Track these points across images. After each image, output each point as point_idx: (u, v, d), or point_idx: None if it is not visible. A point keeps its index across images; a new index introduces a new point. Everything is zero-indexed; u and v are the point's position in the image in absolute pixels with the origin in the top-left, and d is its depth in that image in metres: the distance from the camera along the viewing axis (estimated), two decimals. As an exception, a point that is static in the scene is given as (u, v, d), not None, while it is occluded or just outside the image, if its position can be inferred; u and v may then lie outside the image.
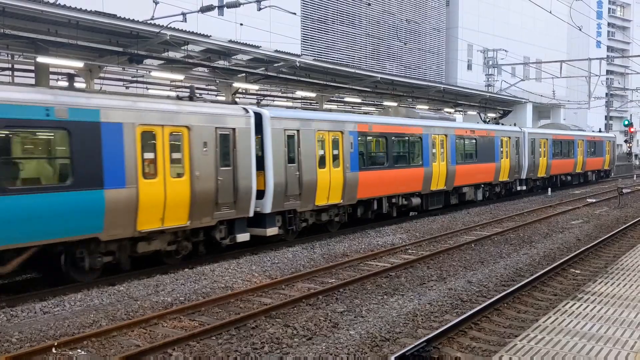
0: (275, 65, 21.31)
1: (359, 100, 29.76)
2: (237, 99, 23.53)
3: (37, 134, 10.96)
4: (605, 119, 72.83)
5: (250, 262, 13.85)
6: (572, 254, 14.09)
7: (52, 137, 11.05)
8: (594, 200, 27.70)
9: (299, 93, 25.93)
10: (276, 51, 20.71)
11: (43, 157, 11.22)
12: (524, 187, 29.97)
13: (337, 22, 43.01)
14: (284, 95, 27.82)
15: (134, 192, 11.81)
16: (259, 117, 14.99)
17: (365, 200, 18.48)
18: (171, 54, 18.76)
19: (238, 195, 14.08)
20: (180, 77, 19.86)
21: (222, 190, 13.65)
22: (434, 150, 21.69)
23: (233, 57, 20.47)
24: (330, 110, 32.61)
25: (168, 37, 16.98)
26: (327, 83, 24.10)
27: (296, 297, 10.58)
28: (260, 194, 14.89)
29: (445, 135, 22.44)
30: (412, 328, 9.05)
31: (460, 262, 13.90)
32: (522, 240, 17.03)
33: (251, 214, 14.56)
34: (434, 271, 12.99)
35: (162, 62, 19.20)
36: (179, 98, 14.23)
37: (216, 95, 26.19)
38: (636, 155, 73.54)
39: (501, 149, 26.88)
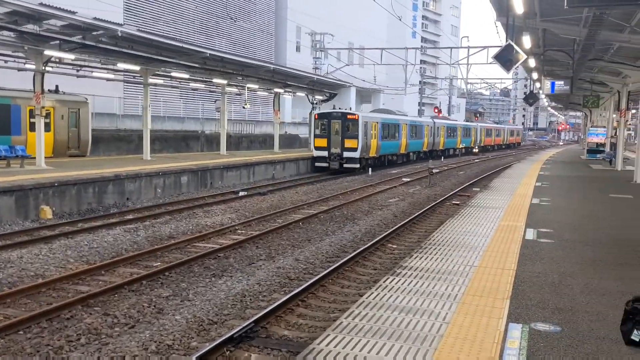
0: (94, 33, 19.69)
1: (187, 76, 28.80)
2: (49, 68, 21.48)
3: None
4: (419, 104, 79.16)
5: (65, 247, 12.77)
6: (389, 230, 15.02)
7: None
8: (408, 180, 29.86)
9: (121, 65, 24.37)
10: (95, 19, 19.12)
11: None
12: (358, 165, 32.80)
13: (163, -7, 41.10)
14: (104, 67, 25.93)
15: None
16: None
17: None
18: (-32, 13, 16.47)
19: None
20: (-20, 40, 17.54)
21: None
22: None
23: (45, 22, 18.51)
24: (155, 85, 31.19)
25: (-36, -7, 14.84)
26: (152, 56, 22.92)
27: (117, 283, 9.96)
28: None
29: None
30: (241, 309, 8.97)
31: (289, 241, 14.13)
32: (346, 217, 17.80)
33: None
34: (262, 250, 13.04)
35: (-43, 21, 16.79)
36: None
37: (25, 64, 23.64)
38: None
39: None
